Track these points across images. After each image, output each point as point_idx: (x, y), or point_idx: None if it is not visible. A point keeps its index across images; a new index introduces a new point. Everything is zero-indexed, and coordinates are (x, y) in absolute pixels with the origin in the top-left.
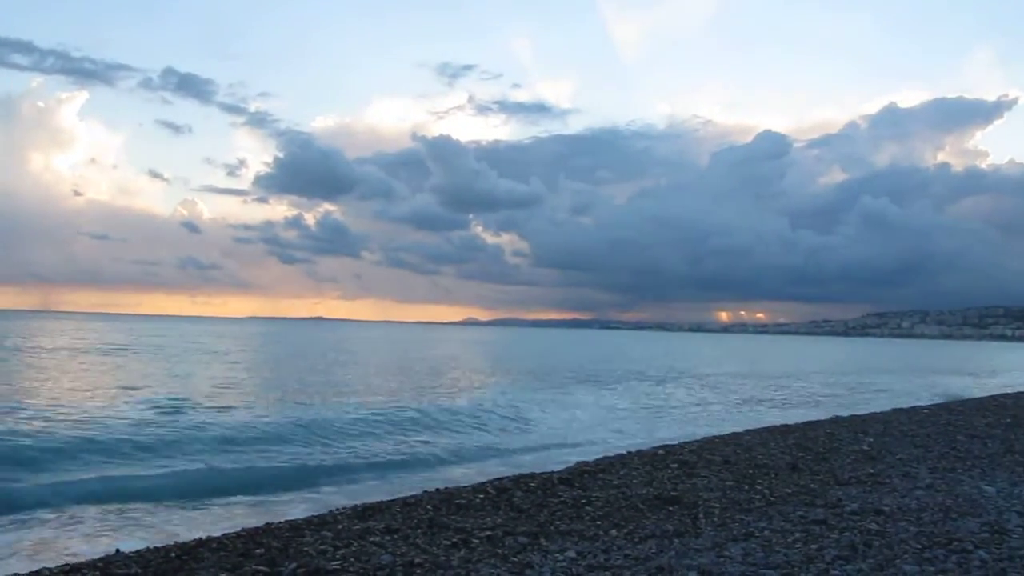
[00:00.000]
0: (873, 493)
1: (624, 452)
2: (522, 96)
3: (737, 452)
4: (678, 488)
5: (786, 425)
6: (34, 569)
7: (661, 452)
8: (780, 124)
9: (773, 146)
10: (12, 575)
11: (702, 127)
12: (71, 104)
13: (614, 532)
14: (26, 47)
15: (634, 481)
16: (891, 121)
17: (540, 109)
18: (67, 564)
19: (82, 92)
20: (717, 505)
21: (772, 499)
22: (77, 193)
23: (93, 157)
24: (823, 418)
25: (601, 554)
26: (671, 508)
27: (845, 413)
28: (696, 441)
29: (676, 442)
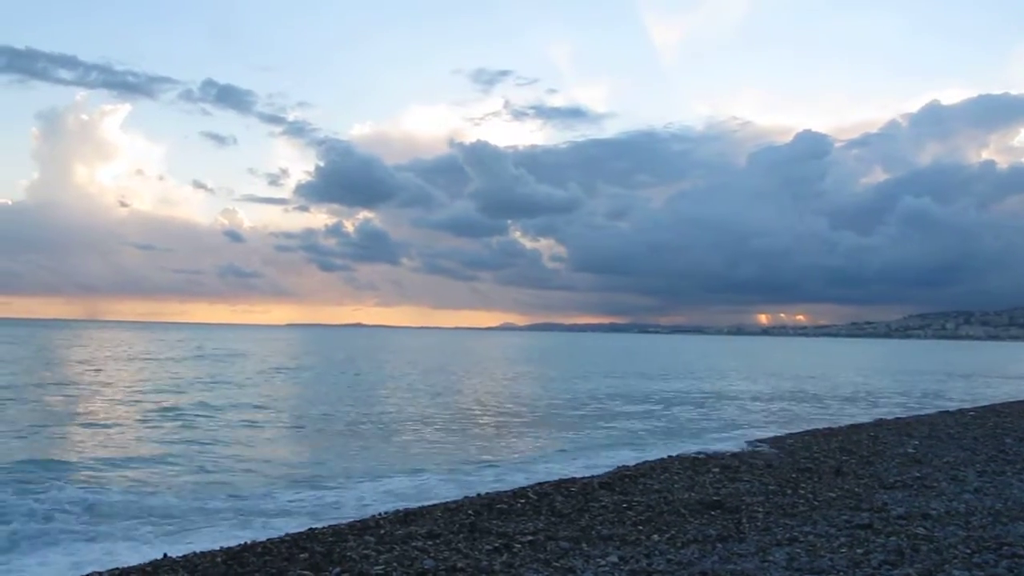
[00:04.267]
0: (920, 497)
1: (665, 457)
2: (558, 101)
3: (780, 456)
4: (720, 492)
5: (829, 428)
6: (85, 573)
7: (702, 457)
8: (820, 124)
9: (813, 146)
10: None
11: (741, 128)
12: (114, 117)
13: (656, 537)
14: (71, 62)
15: (675, 486)
16: (933, 119)
17: (576, 114)
18: (116, 568)
19: (125, 105)
20: (760, 509)
21: (816, 503)
22: (123, 204)
23: (139, 168)
24: (866, 421)
25: (643, 559)
26: (713, 513)
27: (889, 416)
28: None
29: (717, 447)
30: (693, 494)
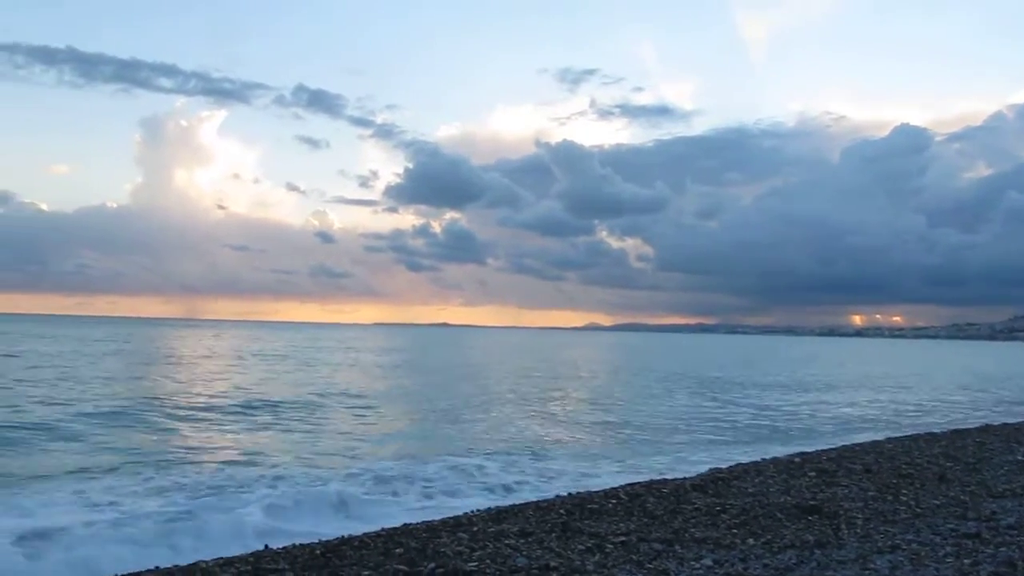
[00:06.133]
0: None
1: (759, 459)
2: (645, 99)
3: (879, 460)
4: (817, 497)
5: (931, 433)
6: (191, 562)
7: (798, 460)
8: (918, 117)
9: (911, 140)
10: (172, 566)
11: (834, 123)
12: (211, 122)
13: (751, 541)
14: (171, 70)
15: (771, 489)
16: None
17: (663, 112)
18: (221, 558)
19: (221, 111)
20: (859, 515)
21: (919, 510)
22: (220, 207)
23: (235, 172)
24: (972, 426)
25: (739, 563)
26: (811, 517)
27: (996, 421)
28: (834, 449)
29: (813, 449)
30: (789, 498)
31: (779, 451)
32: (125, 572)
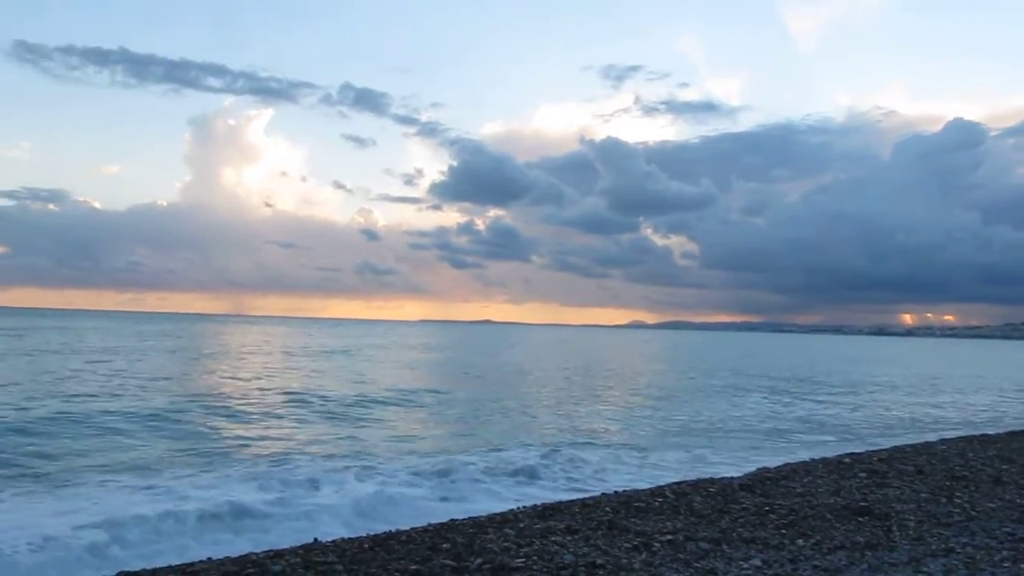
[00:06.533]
0: None
1: (807, 459)
2: (690, 95)
3: (931, 462)
4: (868, 498)
5: (986, 435)
6: (242, 553)
7: (847, 460)
8: (972, 112)
9: (965, 135)
10: (224, 558)
11: (885, 118)
12: (259, 121)
13: (800, 542)
14: (219, 70)
15: (819, 490)
16: None
17: (708, 108)
18: (271, 550)
19: (268, 110)
20: (912, 517)
21: (973, 513)
22: (267, 204)
23: (283, 170)
24: None
25: (788, 564)
26: (861, 519)
27: None
28: (885, 449)
29: (863, 450)
30: (839, 499)
31: (830, 451)
32: (262, 550)
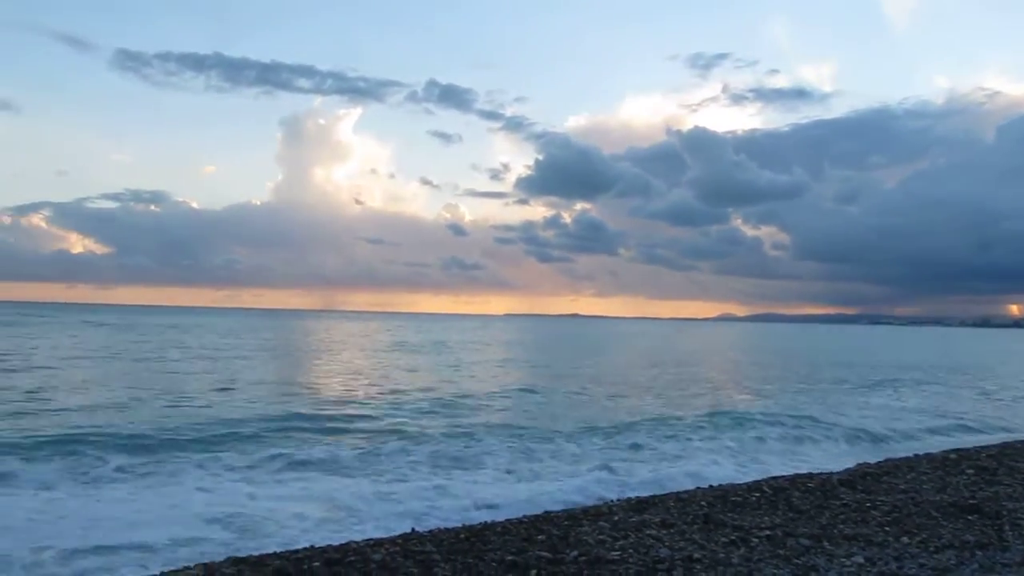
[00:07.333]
0: None
1: (910, 455)
2: (779, 82)
3: None
4: (977, 496)
5: None
6: (343, 542)
7: (953, 456)
8: None
9: None
10: (327, 546)
11: (988, 100)
12: (348, 120)
13: (905, 539)
14: (309, 71)
15: (924, 486)
16: None
17: (799, 94)
18: (371, 539)
19: (356, 108)
20: None
21: None
22: (357, 202)
23: (372, 168)
24: None
25: (893, 562)
26: (970, 517)
27: None
28: (995, 446)
29: (971, 446)
30: (945, 496)
31: (932, 447)
32: (362, 539)
